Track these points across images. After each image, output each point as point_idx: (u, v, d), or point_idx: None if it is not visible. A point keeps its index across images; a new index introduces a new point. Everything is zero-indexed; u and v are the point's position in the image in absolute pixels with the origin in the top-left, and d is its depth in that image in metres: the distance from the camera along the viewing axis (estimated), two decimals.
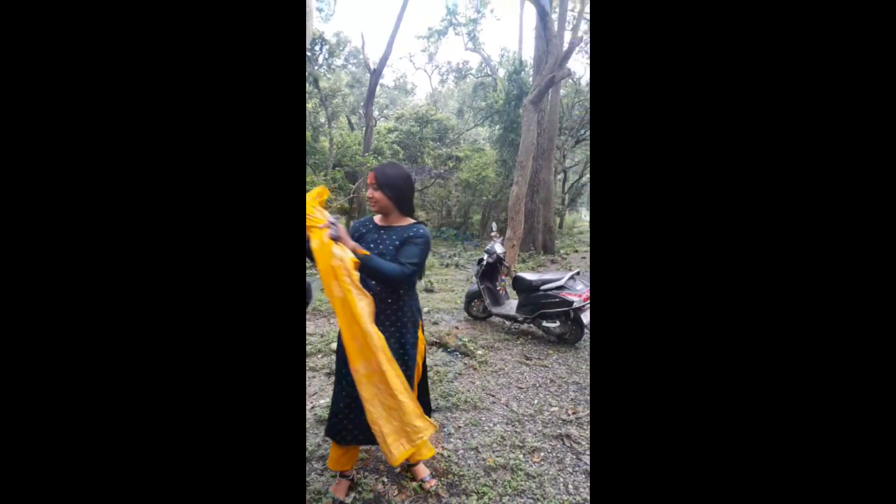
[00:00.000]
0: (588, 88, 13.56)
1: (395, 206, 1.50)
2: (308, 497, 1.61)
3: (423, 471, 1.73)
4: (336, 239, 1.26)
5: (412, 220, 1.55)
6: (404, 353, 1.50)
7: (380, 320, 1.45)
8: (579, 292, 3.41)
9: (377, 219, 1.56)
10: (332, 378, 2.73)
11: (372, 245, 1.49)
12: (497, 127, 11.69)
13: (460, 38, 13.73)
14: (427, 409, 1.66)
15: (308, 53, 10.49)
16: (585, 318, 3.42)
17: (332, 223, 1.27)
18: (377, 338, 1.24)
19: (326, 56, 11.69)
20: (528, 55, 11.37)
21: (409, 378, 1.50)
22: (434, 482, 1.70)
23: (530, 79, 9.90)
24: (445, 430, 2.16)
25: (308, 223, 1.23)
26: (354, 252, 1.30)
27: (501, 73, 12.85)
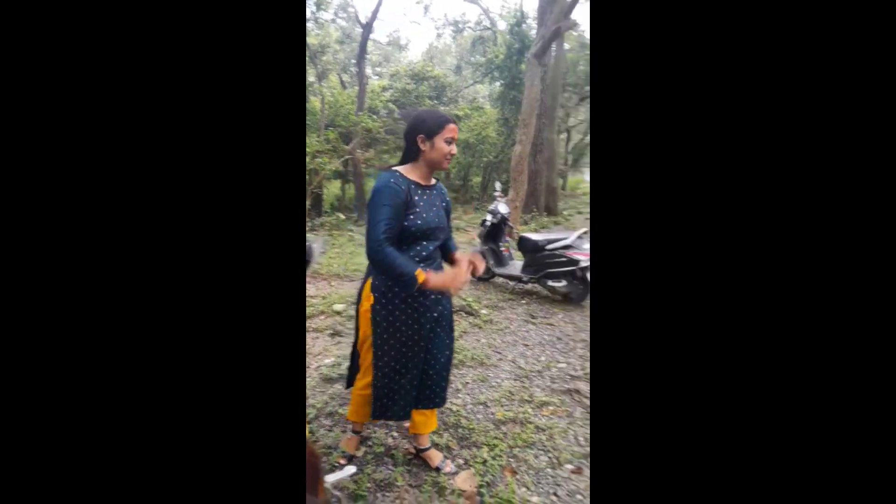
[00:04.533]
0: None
1: None
2: (320, 452, 1.61)
3: (436, 456, 1.57)
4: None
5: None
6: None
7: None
8: (586, 251, 3.35)
9: (418, 178, 1.31)
10: (336, 339, 2.73)
11: (425, 206, 1.31)
12: (497, 84, 11.24)
13: None
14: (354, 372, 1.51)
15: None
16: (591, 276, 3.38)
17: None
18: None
19: (314, 10, 11.01)
20: (530, 6, 10.75)
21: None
22: (450, 465, 1.56)
23: (533, 32, 9.39)
24: (453, 385, 2.16)
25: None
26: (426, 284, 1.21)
27: (502, 25, 12.20)
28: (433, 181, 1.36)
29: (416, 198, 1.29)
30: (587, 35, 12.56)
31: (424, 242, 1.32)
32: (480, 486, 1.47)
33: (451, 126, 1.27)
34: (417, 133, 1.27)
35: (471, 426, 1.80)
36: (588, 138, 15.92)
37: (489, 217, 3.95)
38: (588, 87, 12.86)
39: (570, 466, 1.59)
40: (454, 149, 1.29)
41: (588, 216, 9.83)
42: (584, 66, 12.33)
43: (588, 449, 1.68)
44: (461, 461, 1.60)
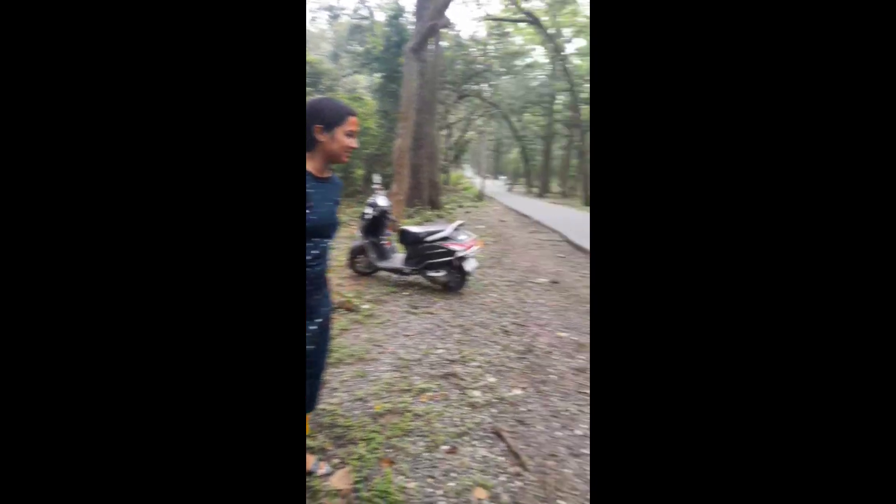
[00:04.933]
0: (469, 41, 13.60)
1: None
2: None
3: (308, 460, 1.51)
4: None
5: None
6: None
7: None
8: (462, 242, 3.54)
9: (312, 168, 1.20)
10: None
11: (319, 200, 1.19)
12: (377, 75, 11.06)
13: None
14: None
15: None
16: (467, 265, 3.58)
17: None
18: None
19: None
20: (408, 0, 10.82)
21: None
22: (325, 466, 1.51)
23: (411, 27, 9.46)
24: (330, 384, 2.08)
25: None
26: None
27: (380, 16, 12.02)
28: (328, 174, 1.25)
29: (312, 190, 1.18)
30: (462, 34, 13.13)
31: (316, 239, 1.22)
32: (357, 482, 1.44)
33: (353, 119, 1.20)
34: (315, 122, 1.16)
35: (348, 423, 1.76)
36: (468, 134, 16.74)
37: (369, 210, 3.88)
38: (466, 86, 13.49)
39: (445, 447, 1.66)
40: (355, 142, 1.21)
41: (468, 209, 10.38)
42: (460, 65, 12.86)
43: (462, 428, 1.78)
44: (337, 461, 1.55)
